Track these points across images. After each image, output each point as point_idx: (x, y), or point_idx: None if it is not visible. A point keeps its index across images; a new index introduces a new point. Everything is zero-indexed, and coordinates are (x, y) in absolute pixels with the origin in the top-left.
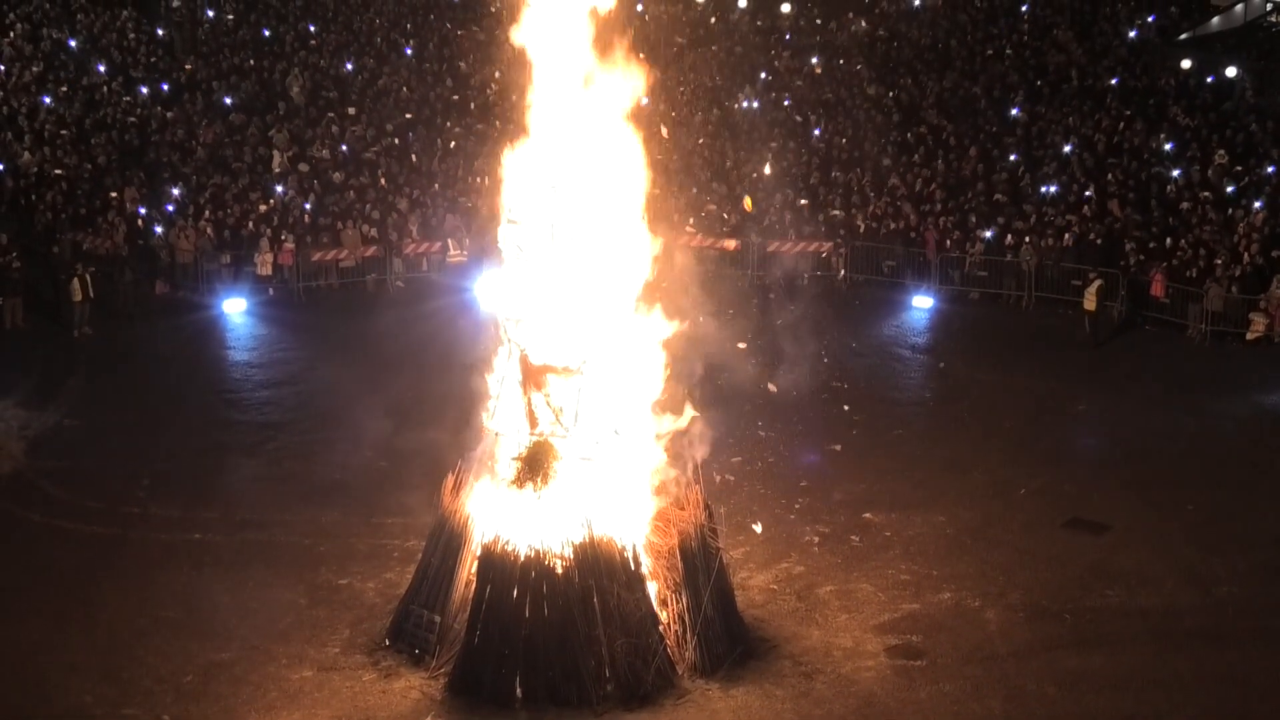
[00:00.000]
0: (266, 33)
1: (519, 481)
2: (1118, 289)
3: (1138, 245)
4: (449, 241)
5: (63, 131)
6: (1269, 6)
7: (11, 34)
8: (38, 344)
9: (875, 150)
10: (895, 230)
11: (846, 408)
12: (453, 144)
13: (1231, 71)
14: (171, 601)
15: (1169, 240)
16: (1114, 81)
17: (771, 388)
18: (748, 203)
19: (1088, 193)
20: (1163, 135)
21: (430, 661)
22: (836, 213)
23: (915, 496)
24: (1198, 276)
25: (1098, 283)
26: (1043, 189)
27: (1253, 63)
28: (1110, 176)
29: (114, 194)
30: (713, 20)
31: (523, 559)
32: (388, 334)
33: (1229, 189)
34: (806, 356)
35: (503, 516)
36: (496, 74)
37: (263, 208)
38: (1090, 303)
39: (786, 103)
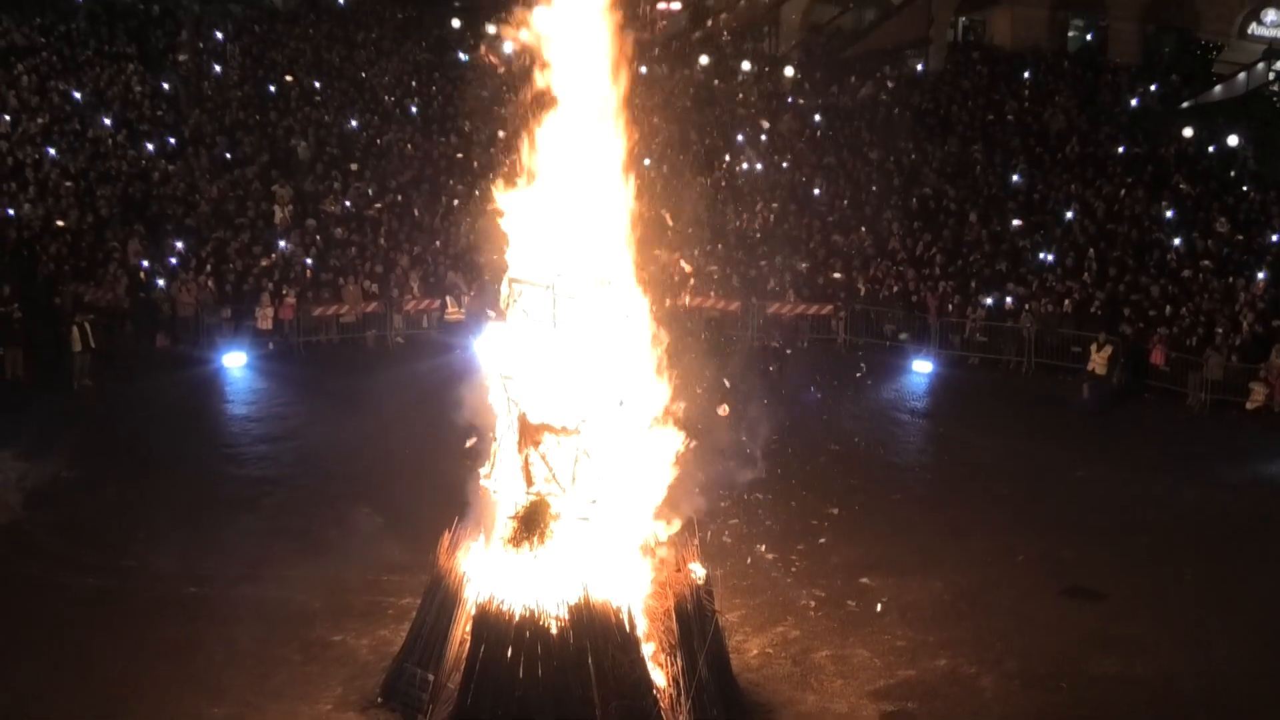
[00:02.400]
0: (272, 88)
1: (515, 541)
2: (1118, 356)
3: (1136, 312)
4: (447, 299)
5: (66, 183)
6: (1271, 75)
7: (18, 86)
8: (37, 395)
9: (876, 214)
10: (895, 294)
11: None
12: (455, 201)
13: (1233, 140)
14: (166, 655)
15: (1169, 308)
16: (1115, 149)
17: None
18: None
19: (1089, 255)
20: (1164, 203)
21: None
22: (837, 275)
23: (912, 561)
24: (1198, 345)
25: (1108, 348)
26: (1043, 255)
27: (1254, 131)
28: (1106, 243)
29: (115, 246)
30: (716, 82)
31: (518, 618)
32: (387, 390)
33: (1227, 252)
34: (805, 419)
35: (498, 575)
36: (500, 134)
37: (264, 262)
38: (1100, 367)
39: (785, 165)
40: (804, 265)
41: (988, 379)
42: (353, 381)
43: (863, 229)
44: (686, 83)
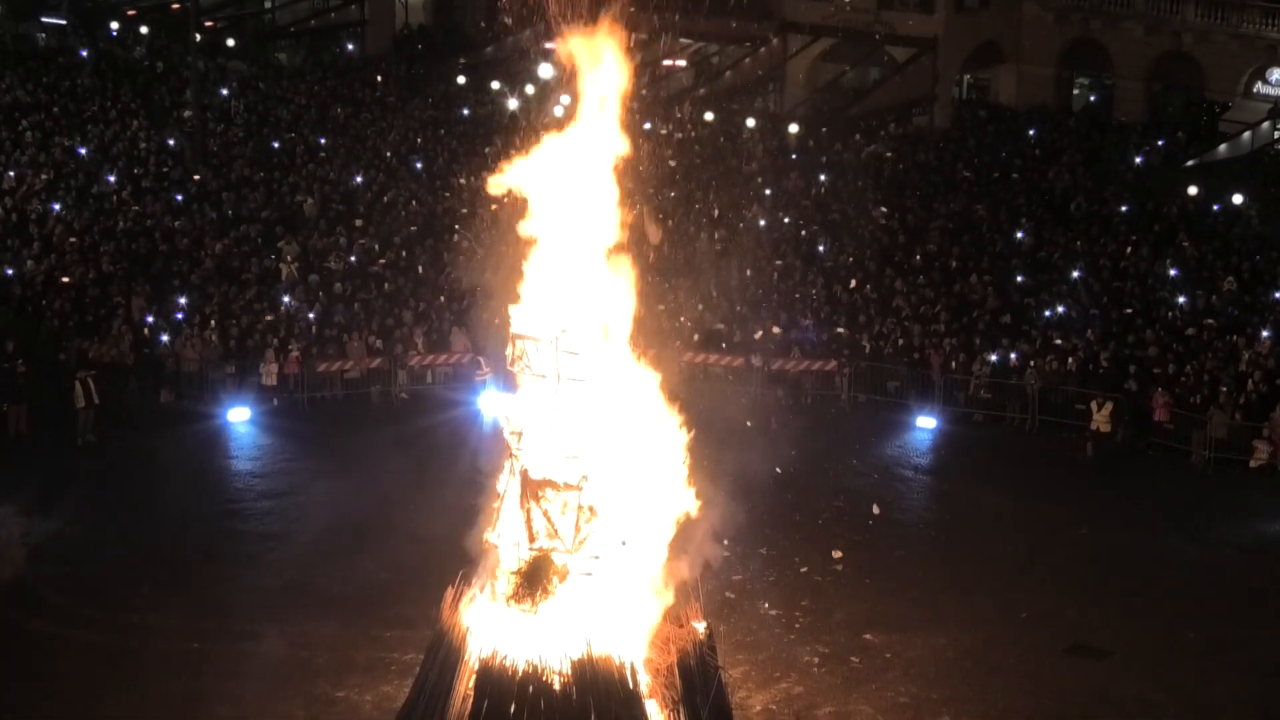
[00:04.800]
0: (276, 145)
1: (518, 596)
2: (1122, 413)
3: (1140, 370)
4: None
5: (71, 239)
6: (1276, 134)
7: (22, 143)
8: (41, 451)
9: (880, 270)
10: (900, 350)
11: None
12: (460, 258)
13: (1238, 199)
14: (170, 711)
15: (1173, 366)
16: (1121, 208)
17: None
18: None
19: (1094, 313)
20: (1168, 261)
21: None
22: (841, 331)
23: (916, 618)
24: (1202, 402)
25: (1109, 405)
26: (1048, 312)
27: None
28: (1112, 300)
29: (120, 300)
30: (721, 140)
31: (520, 674)
32: (391, 446)
33: (1232, 310)
34: (808, 475)
35: (501, 631)
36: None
37: (269, 318)
38: (1104, 425)
39: (789, 221)
40: (808, 322)
41: (991, 435)
42: (357, 437)
43: (867, 286)
44: (691, 140)
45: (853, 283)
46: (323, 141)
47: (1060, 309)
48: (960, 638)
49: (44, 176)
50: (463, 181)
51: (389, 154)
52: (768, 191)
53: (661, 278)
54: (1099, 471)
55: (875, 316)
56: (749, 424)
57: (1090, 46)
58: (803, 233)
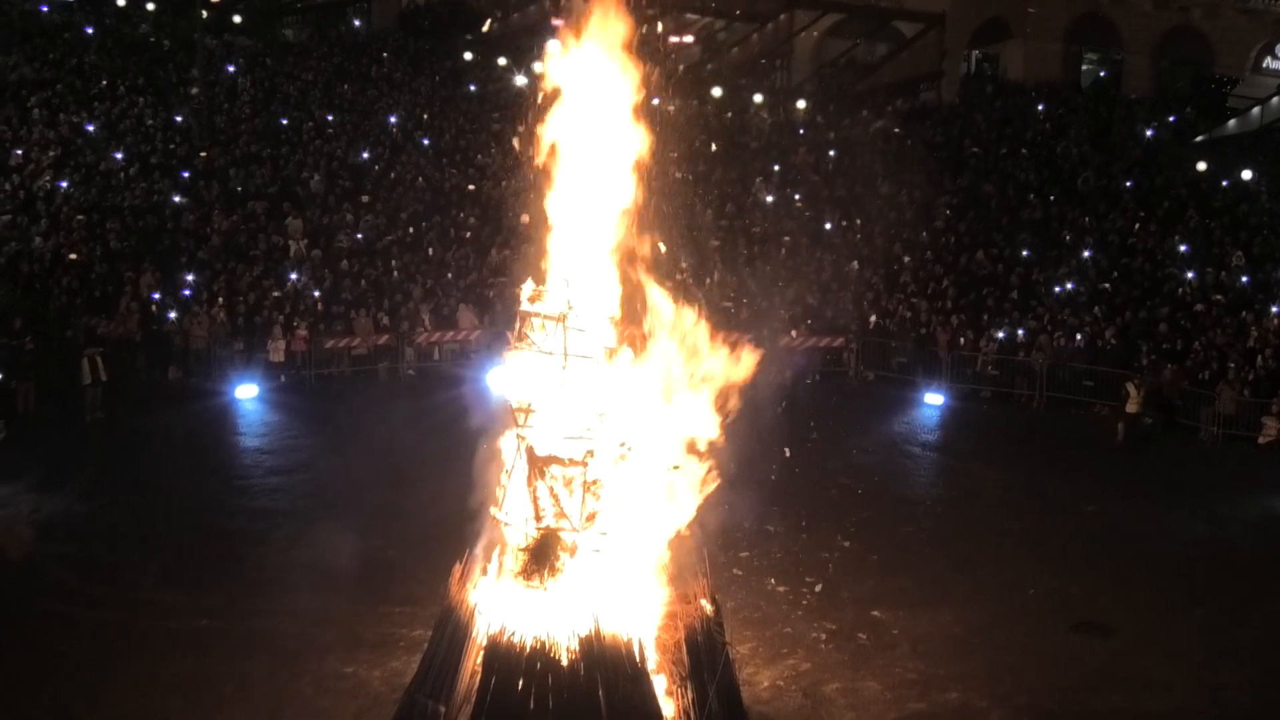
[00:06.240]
0: (284, 121)
1: (525, 573)
2: (1154, 395)
3: (1152, 347)
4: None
5: (79, 216)
6: None
7: (30, 120)
8: (49, 428)
9: (888, 246)
10: (907, 327)
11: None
12: (467, 234)
13: (1247, 174)
14: (177, 689)
15: (1181, 343)
16: (1128, 183)
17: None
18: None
19: (1105, 288)
20: (1177, 237)
21: None
22: (849, 308)
23: (923, 595)
24: (1210, 379)
25: (1141, 388)
26: (1056, 289)
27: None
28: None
29: (130, 275)
30: (728, 115)
31: (528, 650)
32: (398, 422)
33: (1243, 281)
34: (815, 452)
35: (509, 607)
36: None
37: (276, 295)
38: (1133, 406)
39: (797, 198)
40: (815, 298)
41: (999, 412)
42: (365, 414)
43: (874, 262)
44: (699, 116)
45: (855, 264)
46: (330, 118)
47: (1069, 285)
48: (967, 614)
49: (51, 154)
50: (480, 158)
51: (395, 130)
52: (775, 168)
53: (672, 258)
54: (1133, 455)
55: (883, 293)
56: (755, 401)
57: (1098, 21)
58: (812, 211)
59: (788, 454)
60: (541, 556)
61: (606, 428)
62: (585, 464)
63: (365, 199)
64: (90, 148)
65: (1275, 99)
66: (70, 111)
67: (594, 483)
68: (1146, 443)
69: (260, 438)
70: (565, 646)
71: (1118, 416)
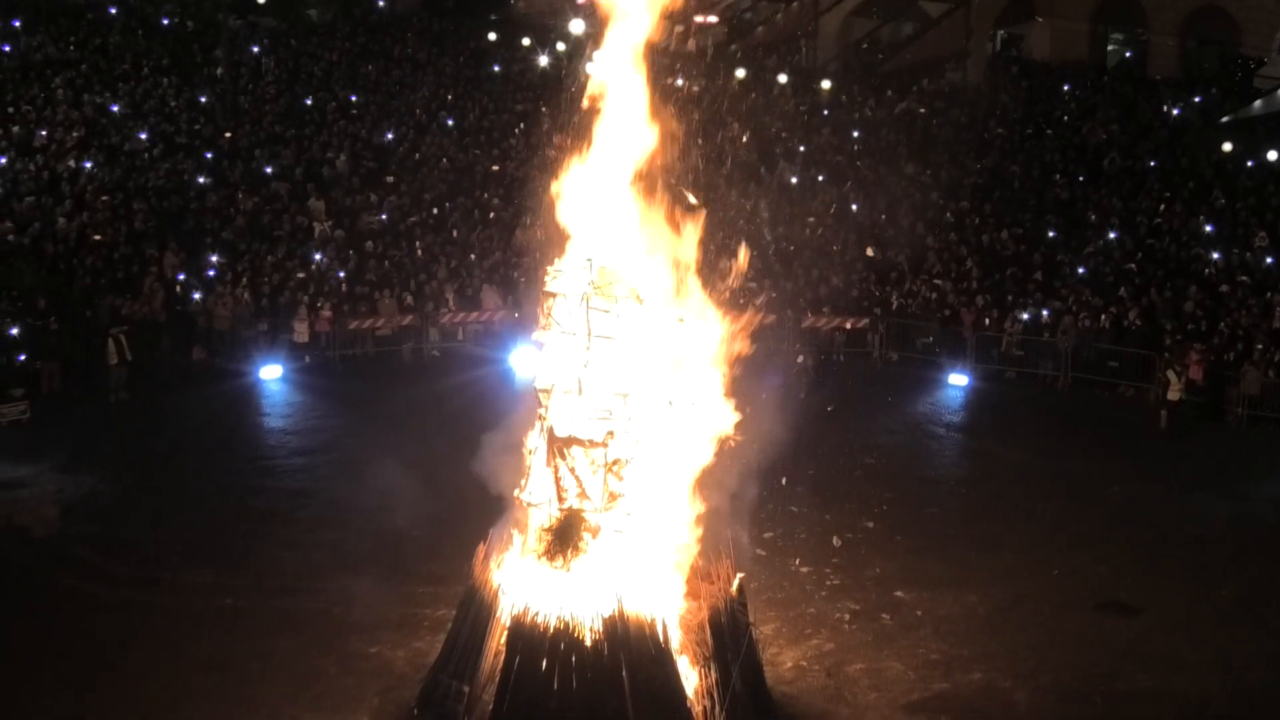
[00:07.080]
0: (308, 101)
1: (549, 553)
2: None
3: (1177, 328)
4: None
5: (103, 197)
6: None
7: (54, 100)
8: (74, 408)
9: (912, 227)
10: (931, 307)
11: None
12: (491, 215)
13: (1272, 155)
14: (202, 668)
15: (1205, 324)
16: (1154, 164)
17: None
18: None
19: (1130, 268)
20: (1202, 218)
21: None
22: (873, 289)
23: (947, 575)
24: (1235, 360)
25: (1181, 374)
26: (1081, 269)
27: None
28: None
29: (154, 254)
30: (753, 95)
31: (552, 631)
32: (422, 403)
33: (1268, 262)
34: (840, 432)
35: (533, 588)
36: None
37: (300, 275)
38: (1175, 393)
39: (821, 179)
40: (840, 279)
41: (1024, 393)
42: (389, 394)
43: (899, 242)
44: (723, 95)
45: (879, 246)
46: (354, 99)
47: (1094, 265)
48: (991, 595)
49: (75, 134)
50: (510, 141)
51: (419, 111)
52: (800, 149)
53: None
54: (1175, 439)
55: (907, 273)
56: (780, 382)
57: (1124, 1)
58: (837, 191)
59: (812, 432)
60: (565, 537)
61: (630, 404)
62: (606, 445)
63: (390, 179)
64: (115, 128)
65: None
66: (95, 92)
67: (616, 462)
68: (1190, 430)
69: (285, 418)
70: (589, 627)
71: (1159, 404)
